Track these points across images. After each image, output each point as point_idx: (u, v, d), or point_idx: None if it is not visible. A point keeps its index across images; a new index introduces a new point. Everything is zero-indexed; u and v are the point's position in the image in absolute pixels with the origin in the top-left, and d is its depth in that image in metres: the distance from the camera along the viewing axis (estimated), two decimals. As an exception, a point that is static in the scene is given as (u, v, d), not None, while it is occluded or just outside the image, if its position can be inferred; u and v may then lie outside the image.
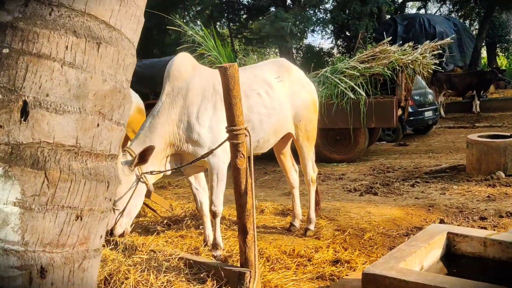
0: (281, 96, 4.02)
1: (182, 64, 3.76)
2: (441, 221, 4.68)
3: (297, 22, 12.80)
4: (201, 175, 4.12)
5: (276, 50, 22.67)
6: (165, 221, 4.92)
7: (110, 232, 3.28)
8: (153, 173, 3.45)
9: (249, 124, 3.80)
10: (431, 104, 11.98)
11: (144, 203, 4.99)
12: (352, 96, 8.14)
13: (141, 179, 3.43)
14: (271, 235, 4.50)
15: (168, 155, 3.62)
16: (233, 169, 2.83)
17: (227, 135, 3.63)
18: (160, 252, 3.29)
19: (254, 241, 2.88)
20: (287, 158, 4.63)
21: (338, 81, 8.33)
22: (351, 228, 4.59)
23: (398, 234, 4.43)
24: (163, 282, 2.89)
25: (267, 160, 9.12)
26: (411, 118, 10.73)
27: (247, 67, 4.24)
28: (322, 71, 8.87)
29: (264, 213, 5.29)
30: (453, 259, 3.22)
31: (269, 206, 5.49)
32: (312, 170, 4.48)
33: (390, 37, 9.27)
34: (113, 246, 3.50)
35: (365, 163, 8.42)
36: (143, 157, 3.30)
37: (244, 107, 3.74)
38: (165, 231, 4.61)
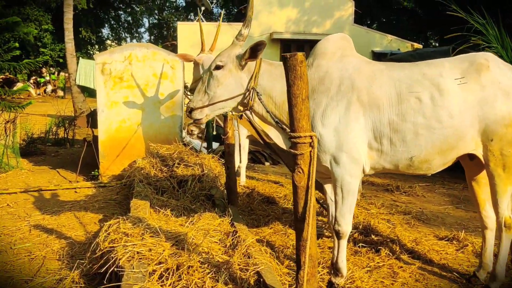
0: (458, 104, 2.95)
1: (332, 43, 3.22)
2: None
3: None
4: None
5: None
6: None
7: (190, 111, 3.12)
8: (259, 95, 2.98)
9: (398, 135, 2.98)
10: None
11: (321, 204, 4.68)
12: None
13: (250, 93, 3.08)
14: (438, 279, 3.48)
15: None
16: (292, 186, 2.26)
17: (359, 142, 3.00)
18: (252, 259, 2.98)
19: (305, 278, 2.24)
20: (482, 187, 3.43)
21: None
22: None
23: None
24: (216, 291, 2.62)
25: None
26: None
27: (425, 61, 3.25)
28: None
29: (464, 250, 4.12)
30: None
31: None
32: (507, 210, 3.19)
33: None
34: (223, 245, 3.37)
35: None
36: (255, 51, 2.98)
37: (393, 113, 2.98)
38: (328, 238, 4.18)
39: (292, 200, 5.26)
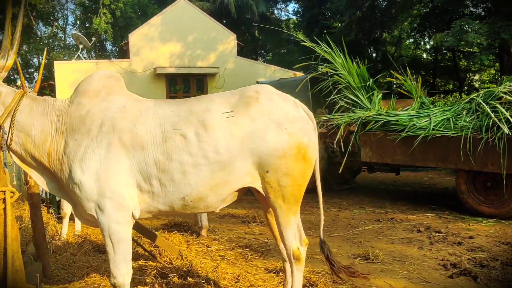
0: (224, 138, 2.88)
1: (96, 81, 3.08)
2: None
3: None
4: None
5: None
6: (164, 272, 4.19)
7: None
8: (4, 135, 2.87)
9: (166, 175, 2.84)
10: None
11: (142, 247, 4.43)
12: (507, 131, 5.89)
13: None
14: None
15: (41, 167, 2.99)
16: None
17: (124, 186, 2.82)
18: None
19: None
20: (274, 219, 3.37)
21: (489, 110, 6.17)
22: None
23: None
24: None
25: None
26: None
27: (197, 97, 3.19)
28: (473, 95, 6.76)
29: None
30: None
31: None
32: (294, 241, 3.15)
33: None
34: None
35: (524, 224, 5.99)
36: None
37: (158, 153, 2.83)
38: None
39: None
